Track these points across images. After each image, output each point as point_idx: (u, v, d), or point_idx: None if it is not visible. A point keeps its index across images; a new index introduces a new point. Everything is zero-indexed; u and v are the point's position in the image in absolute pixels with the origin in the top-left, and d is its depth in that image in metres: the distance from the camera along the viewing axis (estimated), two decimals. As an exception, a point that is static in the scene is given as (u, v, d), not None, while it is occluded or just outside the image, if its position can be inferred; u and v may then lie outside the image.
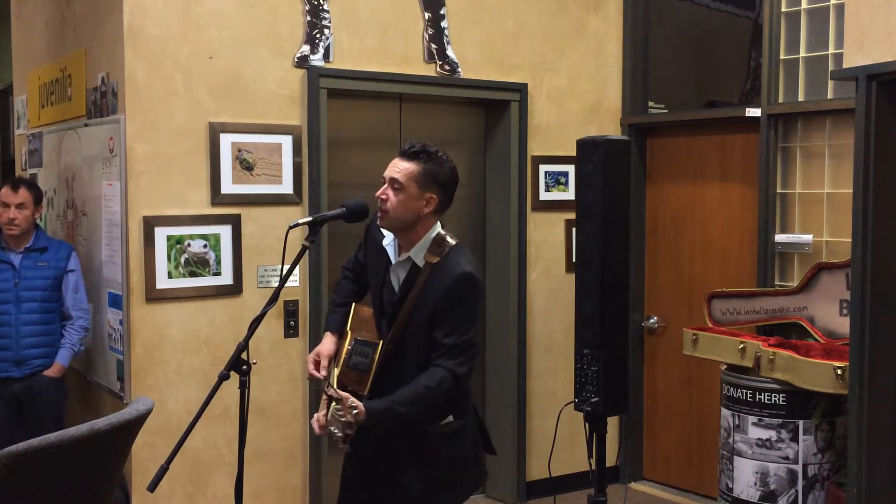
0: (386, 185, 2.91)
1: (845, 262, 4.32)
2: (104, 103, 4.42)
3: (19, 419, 4.39)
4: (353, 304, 3.13)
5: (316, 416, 2.82)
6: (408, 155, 2.91)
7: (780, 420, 4.23)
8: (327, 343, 3.08)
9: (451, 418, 2.95)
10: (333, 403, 2.69)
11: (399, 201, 2.88)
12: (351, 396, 2.71)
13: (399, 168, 2.90)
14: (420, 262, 2.92)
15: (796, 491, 4.23)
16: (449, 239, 2.96)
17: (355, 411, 2.68)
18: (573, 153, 4.23)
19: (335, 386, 2.87)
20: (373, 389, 2.89)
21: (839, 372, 3.93)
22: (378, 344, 2.94)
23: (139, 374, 4.22)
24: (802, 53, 4.72)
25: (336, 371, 2.97)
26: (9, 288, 4.33)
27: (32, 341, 4.36)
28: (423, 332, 2.88)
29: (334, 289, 3.32)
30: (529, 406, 5.32)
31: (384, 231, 3.01)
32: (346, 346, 3.00)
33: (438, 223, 2.98)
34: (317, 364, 3.03)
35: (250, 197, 4.43)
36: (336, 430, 2.70)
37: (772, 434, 4.25)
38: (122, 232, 4.20)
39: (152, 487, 2.63)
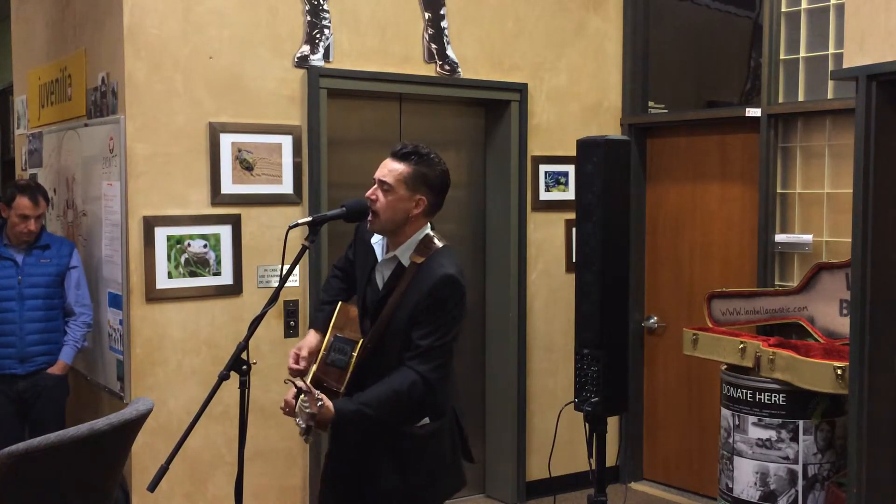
0: (375, 186, 2.91)
1: (845, 262, 4.32)
2: (104, 103, 4.42)
3: (23, 416, 4.40)
4: (340, 302, 3.13)
5: (285, 398, 2.82)
6: (399, 156, 2.91)
7: (780, 420, 4.24)
8: (310, 338, 3.08)
9: (426, 420, 2.93)
10: (302, 395, 2.69)
11: (388, 202, 2.87)
12: (316, 390, 2.72)
13: (389, 169, 2.89)
14: (406, 262, 2.91)
15: (796, 491, 4.23)
16: (437, 241, 2.95)
17: (320, 403, 2.68)
18: (573, 153, 4.22)
19: (310, 381, 2.87)
20: (351, 388, 2.88)
21: (839, 372, 3.93)
22: (358, 342, 2.93)
23: (139, 374, 4.22)
24: (802, 53, 4.72)
25: (314, 368, 2.97)
26: (12, 285, 4.34)
27: (36, 338, 4.37)
28: (403, 333, 2.87)
29: (323, 286, 3.31)
30: (529, 406, 5.32)
31: None
32: (326, 342, 3.00)
33: (428, 225, 2.97)
34: (298, 359, 3.02)
35: (250, 197, 4.43)
36: (300, 422, 2.70)
37: (772, 434, 4.25)
38: (122, 232, 4.20)
39: (152, 487, 2.64)
